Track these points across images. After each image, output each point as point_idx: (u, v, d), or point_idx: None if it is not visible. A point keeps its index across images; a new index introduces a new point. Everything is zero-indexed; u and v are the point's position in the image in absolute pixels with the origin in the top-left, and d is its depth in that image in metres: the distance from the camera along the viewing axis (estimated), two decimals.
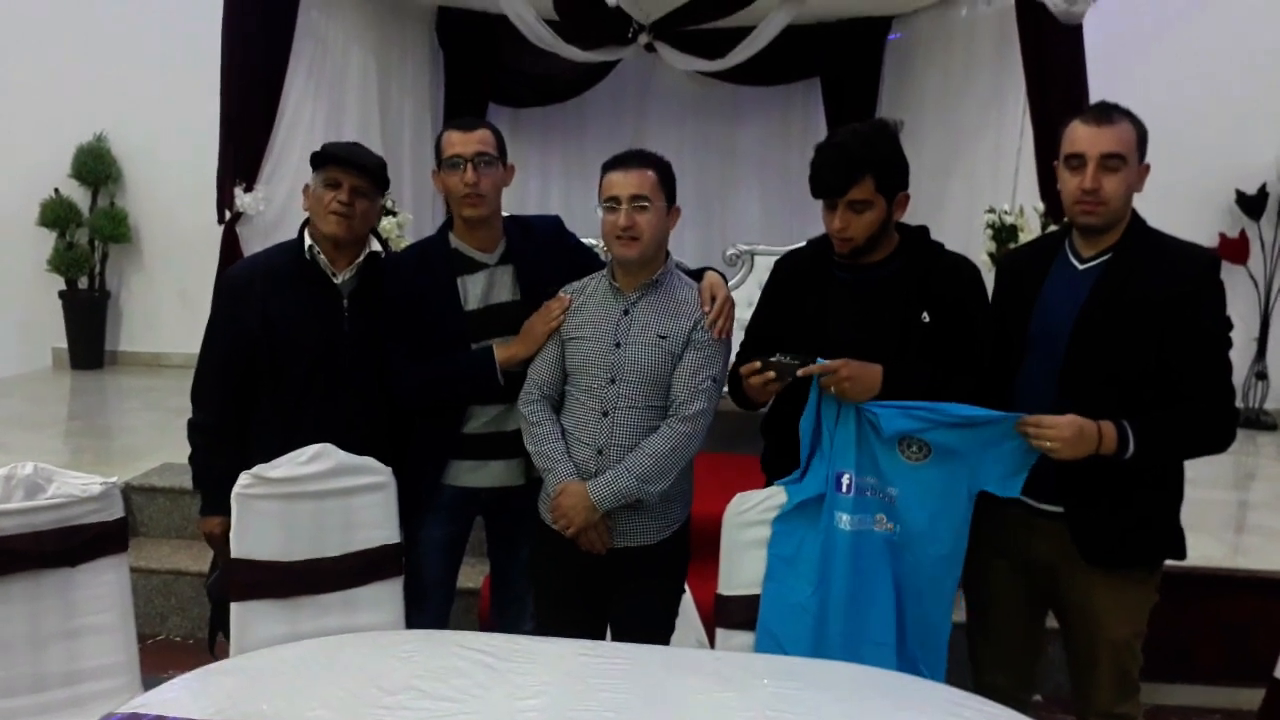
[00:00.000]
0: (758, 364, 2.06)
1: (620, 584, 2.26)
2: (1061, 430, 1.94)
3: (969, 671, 2.31)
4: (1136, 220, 2.08)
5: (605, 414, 2.17)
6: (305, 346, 2.31)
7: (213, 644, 2.49)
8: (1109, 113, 2.02)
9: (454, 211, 2.38)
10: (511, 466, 2.40)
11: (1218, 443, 2.04)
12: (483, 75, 5.99)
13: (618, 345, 2.17)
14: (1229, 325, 2.04)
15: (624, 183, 2.13)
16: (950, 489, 2.06)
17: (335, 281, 2.33)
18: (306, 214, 2.36)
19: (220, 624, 2.42)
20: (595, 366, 2.18)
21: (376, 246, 2.39)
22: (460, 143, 2.30)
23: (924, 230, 2.20)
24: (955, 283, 2.13)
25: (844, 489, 2.09)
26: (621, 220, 2.12)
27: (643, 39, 5.34)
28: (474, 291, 2.37)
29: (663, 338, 2.16)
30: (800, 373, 2.05)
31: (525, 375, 2.30)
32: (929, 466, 2.06)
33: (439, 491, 2.42)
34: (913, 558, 2.08)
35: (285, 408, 2.33)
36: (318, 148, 2.33)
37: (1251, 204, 5.55)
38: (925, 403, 2.02)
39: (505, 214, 2.44)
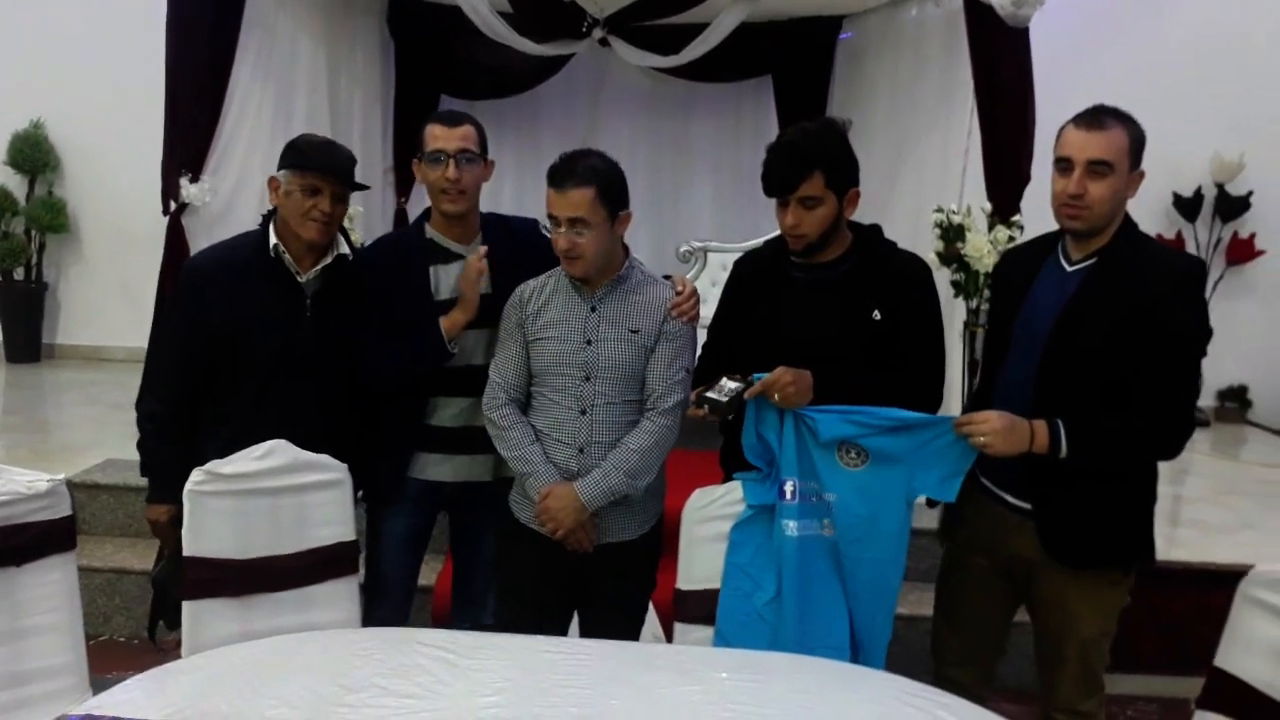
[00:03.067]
0: (693, 398, 2.12)
1: (595, 580, 2.27)
2: (993, 424, 1.97)
3: (931, 665, 2.34)
4: (1128, 225, 2.07)
5: (583, 412, 2.18)
6: (265, 344, 2.29)
7: (153, 633, 2.45)
8: (1101, 118, 2.01)
9: (433, 204, 2.39)
10: (478, 462, 2.40)
11: (1161, 451, 2.05)
12: (435, 67, 5.92)
13: (589, 343, 2.17)
14: (1203, 334, 2.02)
15: (561, 204, 2.10)
16: (887, 494, 2.09)
17: (299, 281, 2.31)
18: (271, 207, 2.33)
19: (162, 613, 2.39)
20: (568, 365, 2.18)
21: (344, 249, 2.38)
22: (444, 138, 2.31)
23: (876, 229, 2.23)
24: (906, 281, 2.16)
25: (788, 496, 2.11)
26: (561, 243, 2.11)
27: (597, 34, 5.32)
28: (446, 281, 2.38)
29: (634, 332, 2.18)
30: (747, 395, 2.07)
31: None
32: (866, 472, 2.09)
33: (403, 484, 2.42)
34: (850, 562, 2.12)
35: (240, 403, 2.31)
36: (266, 138, 2.34)
37: (1188, 206, 5.73)
38: (862, 408, 2.05)
39: (484, 210, 2.46)
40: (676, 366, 2.19)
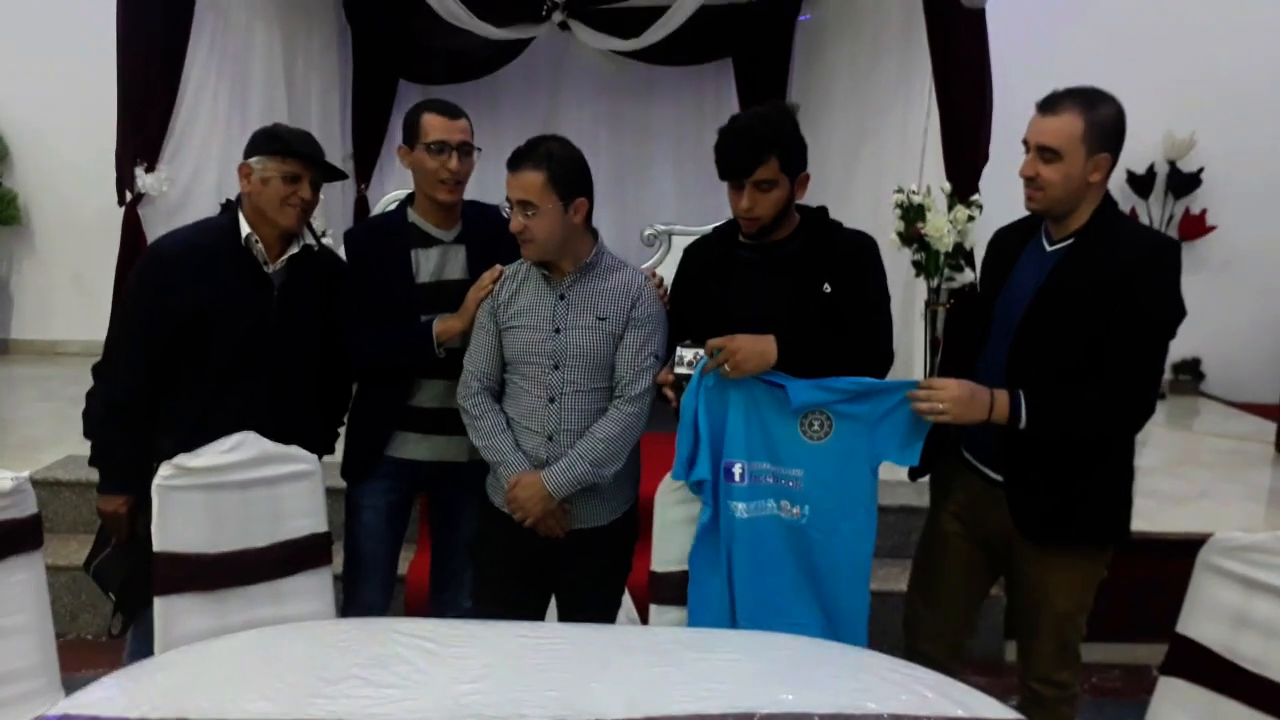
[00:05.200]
0: (668, 380, 2.15)
1: (570, 565, 2.29)
2: (951, 391, 2.00)
3: (901, 641, 2.38)
4: (1106, 205, 2.07)
5: (552, 400, 2.18)
6: (232, 333, 2.26)
7: (127, 629, 2.42)
8: (1056, 103, 2.02)
9: (426, 192, 2.40)
10: (455, 443, 2.41)
11: (1121, 426, 2.07)
12: (393, 52, 5.87)
13: (557, 331, 2.18)
14: (1172, 313, 2.01)
15: (513, 186, 2.12)
16: (853, 463, 2.12)
17: (267, 271, 2.30)
18: (238, 194, 2.30)
19: (121, 607, 2.37)
20: (537, 353, 2.19)
21: (310, 240, 2.37)
22: (445, 129, 2.34)
23: (823, 210, 2.27)
24: (855, 255, 2.20)
25: (736, 478, 2.13)
26: (513, 225, 2.13)
27: (557, 17, 5.30)
28: (426, 266, 2.41)
29: (601, 319, 2.18)
30: (704, 370, 2.10)
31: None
32: (830, 443, 2.12)
33: (381, 462, 2.45)
34: (824, 537, 2.14)
35: (203, 393, 2.28)
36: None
37: (1141, 183, 5.83)
38: (825, 379, 2.07)
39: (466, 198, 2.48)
40: (645, 353, 2.19)
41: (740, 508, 2.13)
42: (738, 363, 2.07)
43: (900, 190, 4.44)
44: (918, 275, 4.36)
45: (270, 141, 2.25)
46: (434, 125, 2.34)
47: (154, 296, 2.26)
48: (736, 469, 2.14)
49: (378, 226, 2.66)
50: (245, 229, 2.27)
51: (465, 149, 2.37)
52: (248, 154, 2.27)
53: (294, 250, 2.32)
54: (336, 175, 2.39)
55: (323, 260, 2.43)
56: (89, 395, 2.32)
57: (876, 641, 2.15)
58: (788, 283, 2.17)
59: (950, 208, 4.32)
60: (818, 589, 2.17)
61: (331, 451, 2.52)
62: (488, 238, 2.42)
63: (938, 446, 2.19)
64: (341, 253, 2.51)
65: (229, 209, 2.34)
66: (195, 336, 2.25)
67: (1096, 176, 2.04)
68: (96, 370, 2.34)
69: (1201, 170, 5.84)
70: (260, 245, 2.28)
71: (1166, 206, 5.91)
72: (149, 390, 2.28)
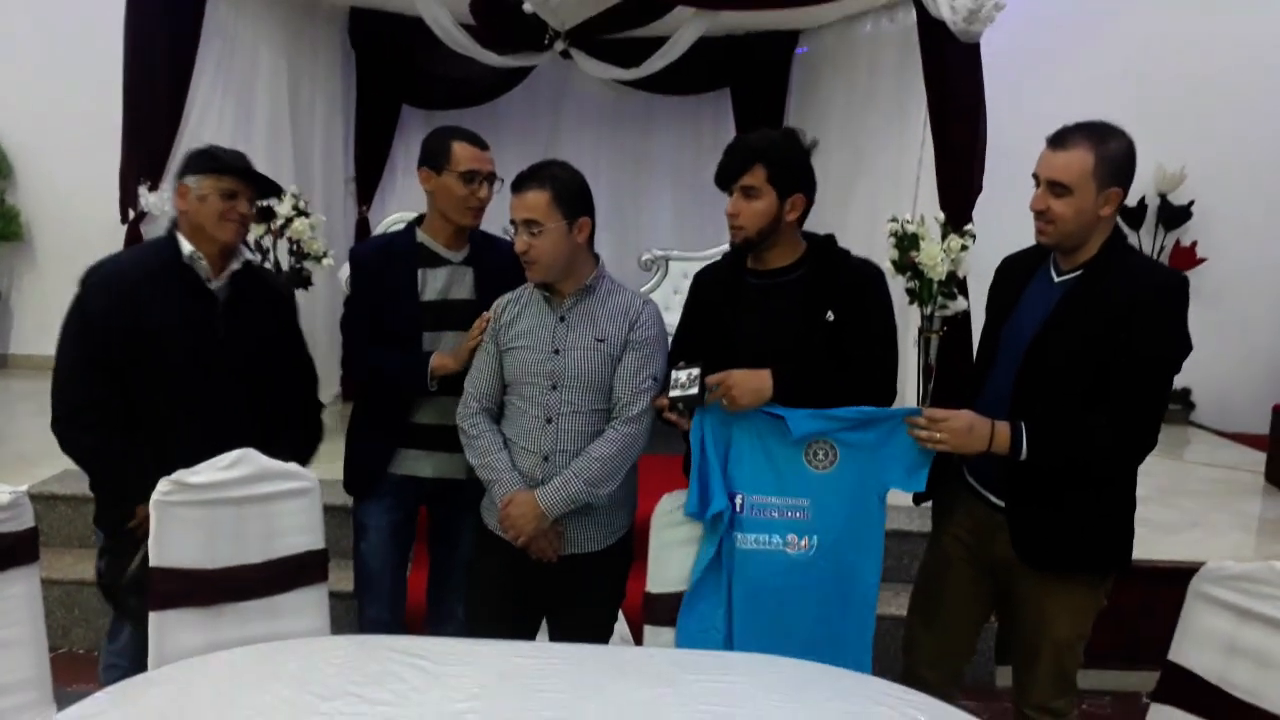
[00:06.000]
0: (664, 404, 2.17)
1: (563, 590, 2.29)
2: (951, 424, 2.03)
3: (897, 666, 2.38)
4: (1115, 239, 2.09)
5: (549, 420, 2.20)
6: (180, 349, 2.29)
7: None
8: (1064, 139, 2.04)
9: (449, 215, 2.47)
10: (456, 459, 2.43)
11: (1122, 460, 2.07)
12: (396, 77, 5.91)
13: (556, 352, 2.20)
14: (1177, 349, 2.02)
15: (517, 206, 2.17)
16: (860, 492, 2.14)
17: (211, 288, 2.33)
18: (179, 215, 2.33)
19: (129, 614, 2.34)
20: (536, 374, 2.21)
21: (248, 255, 2.44)
22: (477, 159, 2.44)
23: (830, 238, 2.29)
24: (860, 285, 2.22)
25: (739, 509, 2.16)
26: (518, 245, 2.17)
27: (558, 46, 5.35)
28: (433, 284, 2.48)
29: (600, 341, 2.20)
30: (707, 400, 2.12)
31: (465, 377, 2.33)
32: (836, 473, 2.13)
33: (383, 480, 2.50)
34: (833, 566, 2.15)
35: (154, 413, 2.29)
36: (226, 147, 2.35)
37: (1132, 216, 5.90)
38: (826, 410, 2.09)
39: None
40: (643, 375, 2.21)
41: (743, 539, 2.15)
42: (734, 398, 2.10)
43: (895, 219, 4.48)
44: (911, 303, 4.39)
45: (204, 160, 2.31)
46: (466, 155, 2.43)
47: (101, 320, 2.25)
48: (738, 500, 2.16)
49: (386, 244, 2.72)
50: (187, 247, 2.30)
51: (491, 178, 2.48)
52: (182, 174, 2.32)
53: (235, 266, 2.36)
54: (272, 190, 2.42)
55: (262, 276, 2.50)
56: (68, 445, 2.30)
57: (874, 665, 2.15)
58: (791, 311, 2.19)
59: (944, 237, 4.36)
60: (823, 619, 2.17)
61: (305, 463, 2.47)
62: (496, 263, 2.48)
63: (942, 471, 2.20)
64: (344, 271, 2.56)
65: (170, 230, 2.36)
66: (143, 354, 2.26)
67: (1107, 210, 2.04)
68: (55, 419, 2.30)
69: (1192, 203, 5.91)
70: (204, 262, 2.31)
71: (1157, 238, 5.97)
72: (111, 399, 2.26)
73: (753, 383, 2.11)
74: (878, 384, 2.19)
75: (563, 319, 2.23)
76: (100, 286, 2.29)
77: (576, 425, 2.21)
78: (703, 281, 2.39)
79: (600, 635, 2.35)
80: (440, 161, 2.43)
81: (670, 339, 2.36)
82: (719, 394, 2.10)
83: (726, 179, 2.19)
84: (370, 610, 2.57)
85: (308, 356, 2.59)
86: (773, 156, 2.15)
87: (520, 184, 2.17)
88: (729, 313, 2.25)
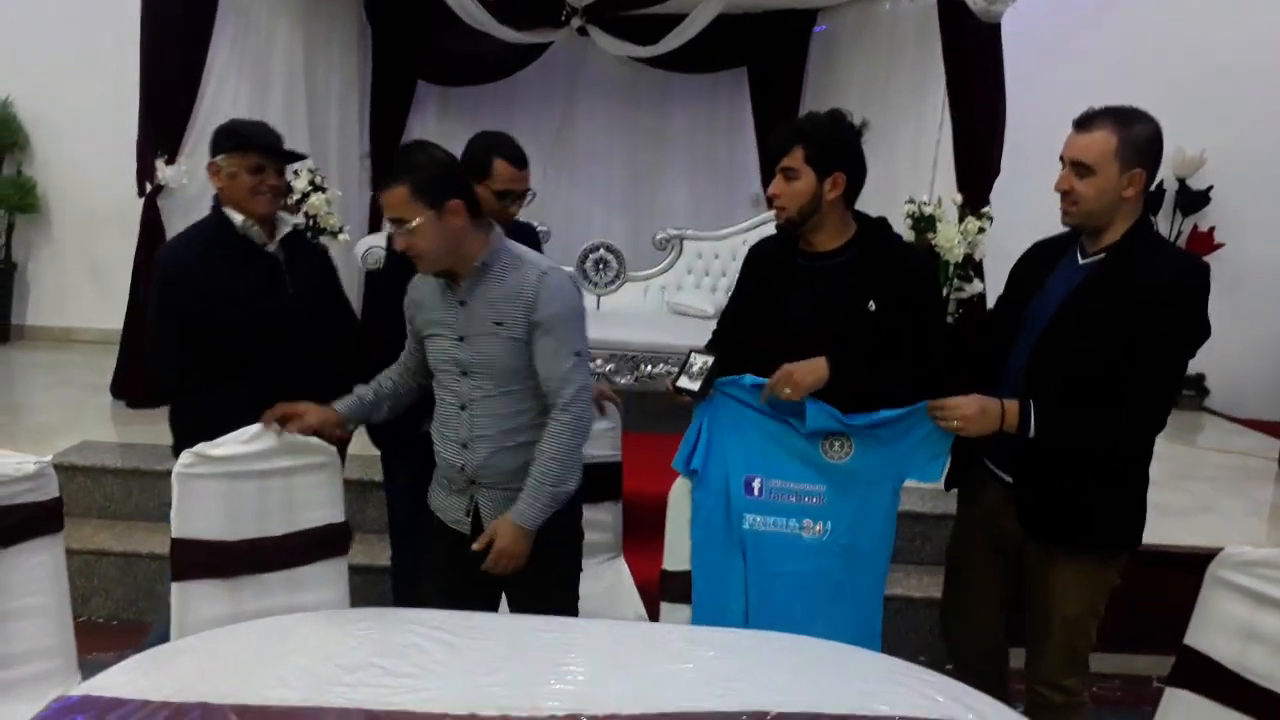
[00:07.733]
0: (670, 388, 2.23)
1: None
2: (963, 408, 2.05)
3: (903, 642, 2.42)
4: (1141, 224, 2.10)
5: (463, 407, 2.15)
6: (259, 313, 2.42)
7: None
8: (1089, 121, 2.06)
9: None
10: None
11: (1129, 441, 2.08)
12: (412, 53, 5.88)
13: (461, 339, 2.13)
14: (1194, 335, 2.03)
15: (385, 207, 2.05)
16: (876, 481, 2.17)
17: (270, 251, 2.47)
18: (218, 192, 2.45)
19: None
20: (446, 361, 2.16)
21: (289, 219, 2.55)
22: (514, 180, 2.52)
23: (883, 221, 2.28)
24: (903, 273, 2.20)
25: (755, 493, 2.18)
26: (397, 244, 2.08)
27: (576, 22, 5.33)
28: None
29: (499, 324, 2.09)
30: (762, 399, 2.16)
31: None
32: (853, 462, 2.16)
33: (413, 438, 2.48)
34: (845, 551, 2.18)
35: (244, 370, 2.38)
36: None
37: (1150, 200, 5.81)
38: (843, 415, 2.13)
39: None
40: (563, 355, 2.08)
41: (754, 520, 2.19)
42: (795, 382, 2.11)
43: (912, 201, 4.46)
44: None
45: (231, 138, 2.41)
46: (506, 174, 2.49)
47: (182, 294, 2.38)
48: (755, 483, 2.19)
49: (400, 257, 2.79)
50: (238, 218, 2.42)
51: (524, 195, 2.57)
52: (212, 153, 2.42)
53: (285, 230, 2.51)
54: (297, 158, 2.56)
55: (303, 236, 2.66)
56: (180, 411, 2.48)
57: (895, 646, 2.16)
58: (835, 295, 2.20)
59: (961, 219, 4.35)
60: (835, 598, 2.19)
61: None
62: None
63: (965, 457, 2.22)
64: (359, 247, 2.58)
65: (217, 207, 2.47)
66: (229, 319, 2.38)
67: (1130, 191, 2.06)
68: (168, 390, 2.50)
69: (1210, 188, 5.85)
70: (256, 228, 2.44)
71: (1175, 223, 5.93)
72: (207, 362, 2.38)
73: (810, 377, 2.12)
74: (919, 377, 2.17)
75: (463, 303, 2.13)
76: (175, 264, 2.43)
77: (490, 409, 2.13)
78: (757, 255, 2.43)
79: (564, 604, 2.25)
80: (480, 173, 2.46)
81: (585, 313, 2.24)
82: (779, 389, 2.12)
83: (771, 162, 2.23)
84: (398, 558, 2.74)
85: (349, 303, 2.79)
86: (812, 137, 2.16)
87: (380, 181, 2.18)
88: (779, 290, 2.28)
